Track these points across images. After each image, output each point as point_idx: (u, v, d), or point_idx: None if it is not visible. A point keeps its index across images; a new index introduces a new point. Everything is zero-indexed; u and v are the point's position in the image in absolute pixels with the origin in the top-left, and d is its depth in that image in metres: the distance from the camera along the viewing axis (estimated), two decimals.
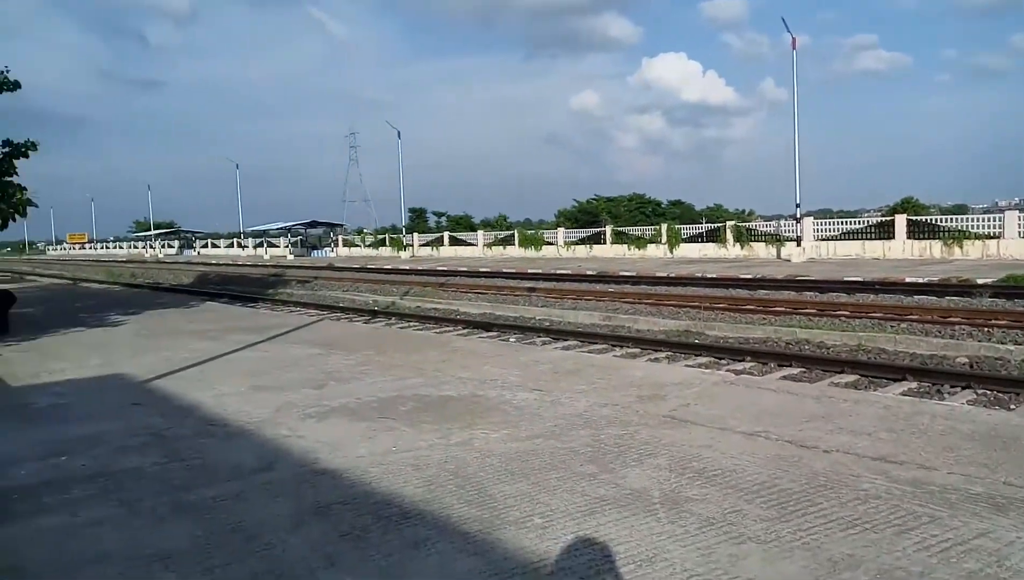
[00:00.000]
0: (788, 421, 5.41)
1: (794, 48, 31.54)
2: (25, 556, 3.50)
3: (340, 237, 62.58)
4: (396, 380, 7.48)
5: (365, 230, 76.01)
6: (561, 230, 42.85)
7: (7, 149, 12.41)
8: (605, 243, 40.00)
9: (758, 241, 34.17)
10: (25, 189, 12.33)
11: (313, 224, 61.41)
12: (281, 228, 61.94)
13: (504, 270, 29.26)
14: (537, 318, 15.39)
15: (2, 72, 12.57)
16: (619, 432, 5.26)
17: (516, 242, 43.37)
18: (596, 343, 11.64)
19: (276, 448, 5.18)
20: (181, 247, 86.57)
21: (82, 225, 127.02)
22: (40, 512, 4.06)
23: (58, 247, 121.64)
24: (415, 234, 53.95)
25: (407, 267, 35.19)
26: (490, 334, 13.70)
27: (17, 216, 12.21)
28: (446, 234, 51.31)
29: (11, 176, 12.38)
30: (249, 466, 4.78)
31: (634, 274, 24.73)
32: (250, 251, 69.38)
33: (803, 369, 9.10)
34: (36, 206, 12.57)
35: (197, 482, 4.49)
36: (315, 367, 8.41)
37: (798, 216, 31.62)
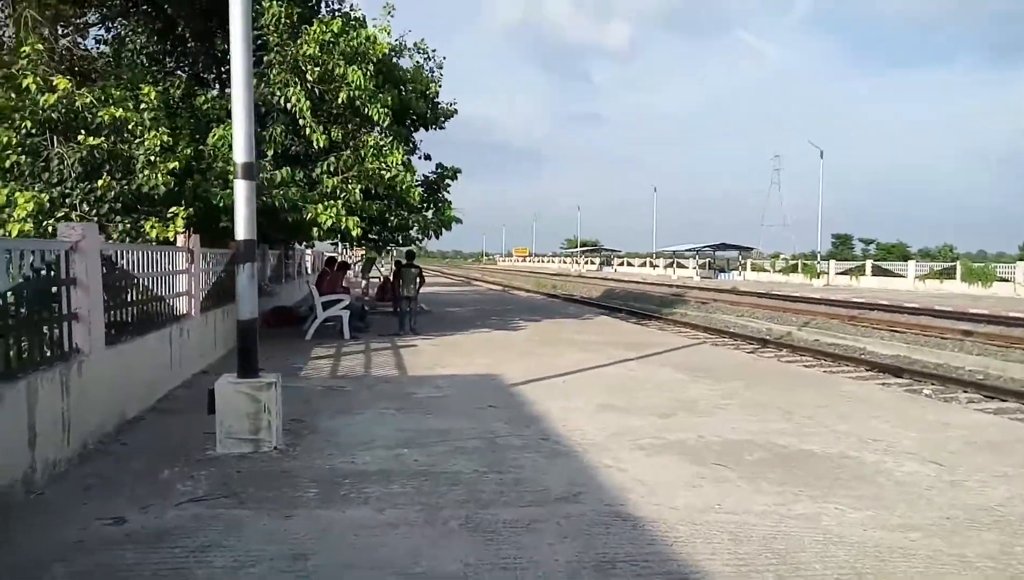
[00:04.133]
0: None
1: None
2: (318, 544, 3.64)
3: (749, 261, 60.57)
4: (755, 421, 6.50)
5: (782, 255, 72.49)
6: (1021, 264, 34.77)
7: (439, 172, 14.45)
8: None
9: None
10: (451, 204, 14.20)
11: (722, 246, 60.52)
12: (690, 249, 62.39)
13: (936, 307, 24.71)
14: (967, 368, 12.47)
15: (450, 103, 14.77)
16: None
17: (958, 275, 36.56)
18: None
19: (591, 478, 4.76)
20: (601, 264, 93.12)
21: (526, 240, 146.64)
22: (355, 503, 4.25)
23: (506, 258, 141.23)
24: (831, 261, 49.34)
25: (817, 296, 32.11)
26: (899, 381, 11.46)
27: (444, 229, 14.13)
28: (868, 262, 45.77)
29: (444, 192, 14.40)
30: (556, 493, 4.43)
31: None
32: (660, 271, 71.31)
33: None
34: (460, 222, 14.36)
35: (500, 500, 4.30)
36: (673, 393, 7.82)
37: None
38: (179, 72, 12.52)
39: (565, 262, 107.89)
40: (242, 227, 5.32)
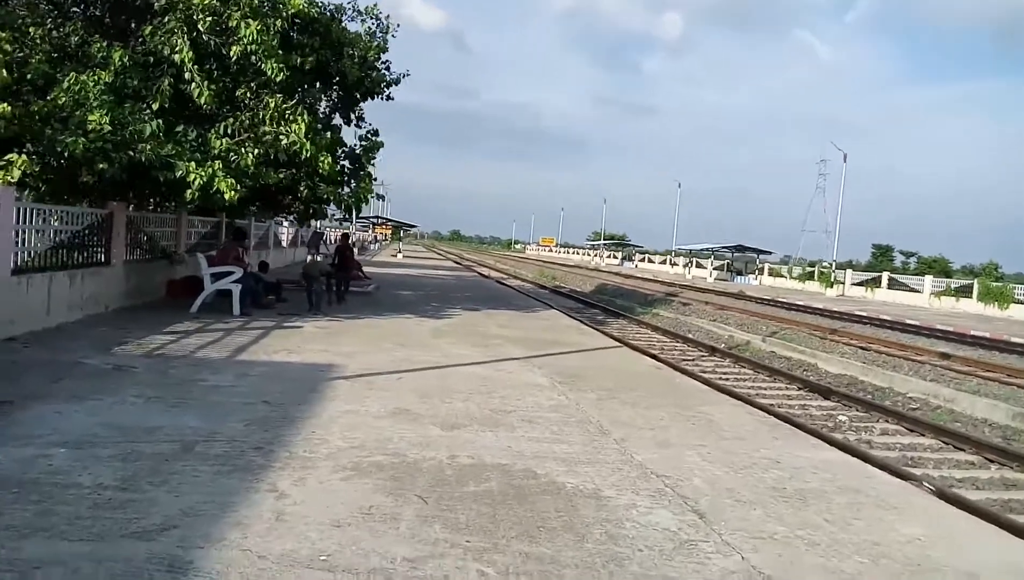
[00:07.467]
0: None
1: None
2: None
3: (766, 265, 58.62)
4: (548, 441, 5.49)
5: (824, 262, 70.24)
6: None
7: (365, 143, 13.55)
8: None
9: None
10: (374, 179, 13.32)
11: (739, 248, 58.64)
12: (705, 249, 60.66)
13: (936, 326, 23.09)
14: (909, 394, 11.19)
15: (385, 64, 13.69)
16: None
17: (974, 294, 34.58)
18: (960, 454, 7.61)
19: (224, 506, 3.80)
20: (623, 259, 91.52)
21: (561, 229, 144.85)
22: None
23: (534, 247, 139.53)
24: (848, 271, 47.40)
25: (820, 306, 30.44)
26: (824, 402, 10.27)
27: (364, 203, 13.25)
28: (884, 275, 43.68)
29: (369, 165, 13.53)
30: (150, 523, 3.48)
31: None
32: (679, 270, 69.64)
33: None
34: (380, 198, 13.53)
35: (57, 529, 3.36)
36: (504, 401, 6.81)
37: None
38: (78, 17, 11.71)
39: (588, 255, 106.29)
40: None
